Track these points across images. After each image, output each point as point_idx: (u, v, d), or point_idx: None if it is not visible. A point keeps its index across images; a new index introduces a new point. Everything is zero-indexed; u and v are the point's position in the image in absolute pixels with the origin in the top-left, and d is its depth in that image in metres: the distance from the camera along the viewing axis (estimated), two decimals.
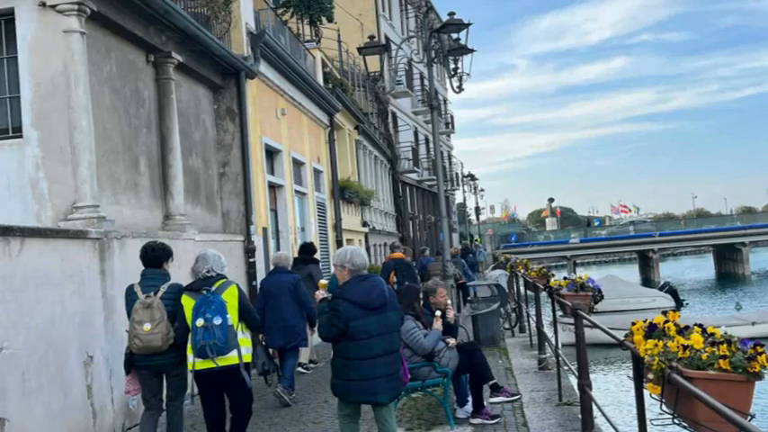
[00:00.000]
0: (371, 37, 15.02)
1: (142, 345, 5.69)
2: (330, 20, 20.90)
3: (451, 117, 49.88)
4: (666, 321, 3.51)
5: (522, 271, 12.51)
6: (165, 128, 9.61)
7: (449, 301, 7.85)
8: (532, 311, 11.19)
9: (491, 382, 7.43)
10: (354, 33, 26.58)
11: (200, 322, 5.41)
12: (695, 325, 3.40)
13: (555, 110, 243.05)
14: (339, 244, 17.64)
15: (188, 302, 5.57)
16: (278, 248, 13.33)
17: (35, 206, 7.35)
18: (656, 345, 3.33)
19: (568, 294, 7.52)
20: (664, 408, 3.25)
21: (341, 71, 22.96)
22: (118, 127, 8.56)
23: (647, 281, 51.97)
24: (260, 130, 12.69)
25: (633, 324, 3.65)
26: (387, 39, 31.60)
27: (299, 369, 9.95)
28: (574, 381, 7.12)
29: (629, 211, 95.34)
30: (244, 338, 5.66)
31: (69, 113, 7.36)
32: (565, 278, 8.27)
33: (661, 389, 3.22)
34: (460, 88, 13.28)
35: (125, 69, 8.83)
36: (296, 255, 11.51)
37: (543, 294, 9.41)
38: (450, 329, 7.36)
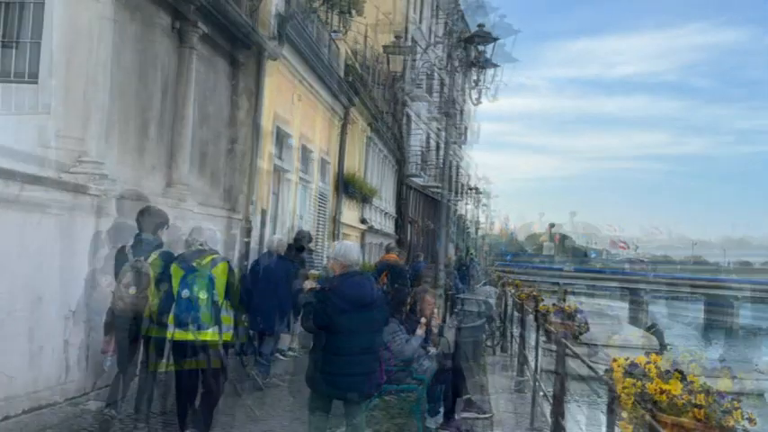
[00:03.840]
0: (398, 37, 15.02)
1: (125, 307, 5.70)
2: (360, 13, 20.85)
3: (465, 128, 49.89)
4: (648, 363, 3.51)
5: (513, 291, 12.51)
6: (180, 96, 9.60)
7: (435, 310, 7.85)
8: (517, 332, 11.18)
9: (465, 397, 7.43)
10: (382, 31, 26.56)
11: (185, 293, 5.41)
12: (676, 370, 3.39)
13: (570, 136, 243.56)
14: (335, 237, 17.64)
15: (177, 272, 5.56)
16: (274, 232, 13.32)
17: (40, 154, 7.33)
18: (634, 384, 3.32)
19: (555, 321, 7.53)
20: None
21: (363, 66, 22.94)
22: (134, 88, 8.55)
23: (636, 320, 51.84)
24: (274, 112, 12.68)
25: (615, 360, 3.64)
26: (413, 40, 31.59)
27: (277, 355, 9.95)
28: (547, 408, 7.11)
29: (628, 248, 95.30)
30: (226, 316, 5.66)
31: (88, 67, 7.35)
32: (554, 304, 8.29)
33: (633, 429, 3.21)
34: (479, 101, 13.29)
35: (149, 33, 8.82)
36: (291, 241, 11.50)
37: (530, 317, 9.41)
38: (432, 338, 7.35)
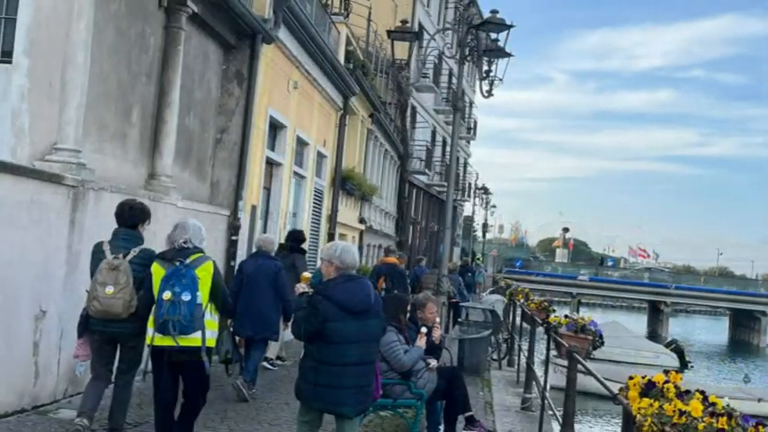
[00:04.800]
0: (404, 21, 15.03)
1: (101, 308, 5.69)
2: None
3: (474, 122, 49.92)
4: (667, 382, 3.51)
5: (522, 300, 12.51)
6: (166, 80, 9.60)
7: (437, 319, 7.85)
8: (525, 346, 11.20)
9: (467, 414, 7.43)
10: (387, 15, 26.56)
11: (166, 295, 5.41)
12: (697, 391, 3.40)
13: (587, 134, 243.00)
14: (331, 237, 17.65)
15: (158, 271, 5.56)
16: (265, 230, 13.33)
17: (12, 140, 7.33)
18: (651, 404, 3.32)
19: (567, 334, 7.53)
20: None
21: (365, 52, 22.95)
22: (116, 70, 8.55)
23: (654, 335, 51.92)
24: (267, 101, 12.68)
25: (631, 378, 3.65)
26: (420, 26, 31.59)
27: (265, 364, 9.95)
28: (557, 428, 7.11)
29: (648, 256, 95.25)
30: (211, 321, 5.65)
31: (66, 47, 7.35)
32: (566, 316, 8.28)
33: None
34: (490, 93, 13.29)
35: (134, 10, 8.82)
36: (283, 241, 11.51)
37: (540, 330, 9.41)
38: (433, 350, 7.36)
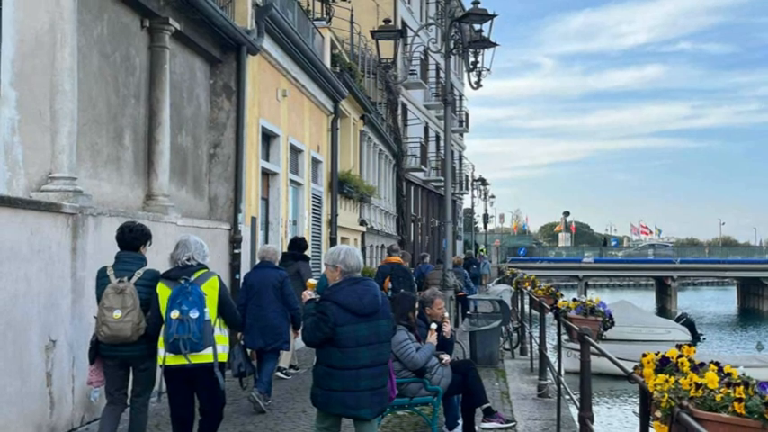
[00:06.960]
0: (387, 20, 15.01)
1: (110, 333, 5.68)
2: None
3: (466, 115, 49.95)
4: (680, 356, 3.51)
5: (529, 288, 12.51)
6: (154, 100, 9.61)
7: (446, 314, 7.86)
8: (536, 333, 11.20)
9: (485, 406, 7.44)
10: (369, 15, 26.56)
11: (174, 314, 5.41)
12: (711, 362, 3.39)
13: (578, 116, 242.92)
14: (333, 242, 17.66)
15: (164, 291, 5.56)
16: (266, 241, 13.33)
17: (7, 173, 7.32)
18: (666, 380, 3.32)
19: (576, 318, 7.52)
20: None
21: (351, 55, 22.96)
22: (104, 95, 8.55)
23: (664, 310, 51.99)
24: (258, 112, 12.69)
25: (644, 356, 3.65)
26: (403, 23, 31.62)
27: (278, 374, 9.96)
28: (575, 412, 7.12)
29: (650, 233, 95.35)
30: (221, 335, 5.66)
31: (52, 76, 7.35)
32: (574, 300, 8.28)
33: (668, 428, 3.21)
34: (479, 84, 13.28)
35: (117, 33, 8.82)
36: (285, 249, 11.52)
37: (549, 315, 9.42)
38: (445, 345, 7.37)
